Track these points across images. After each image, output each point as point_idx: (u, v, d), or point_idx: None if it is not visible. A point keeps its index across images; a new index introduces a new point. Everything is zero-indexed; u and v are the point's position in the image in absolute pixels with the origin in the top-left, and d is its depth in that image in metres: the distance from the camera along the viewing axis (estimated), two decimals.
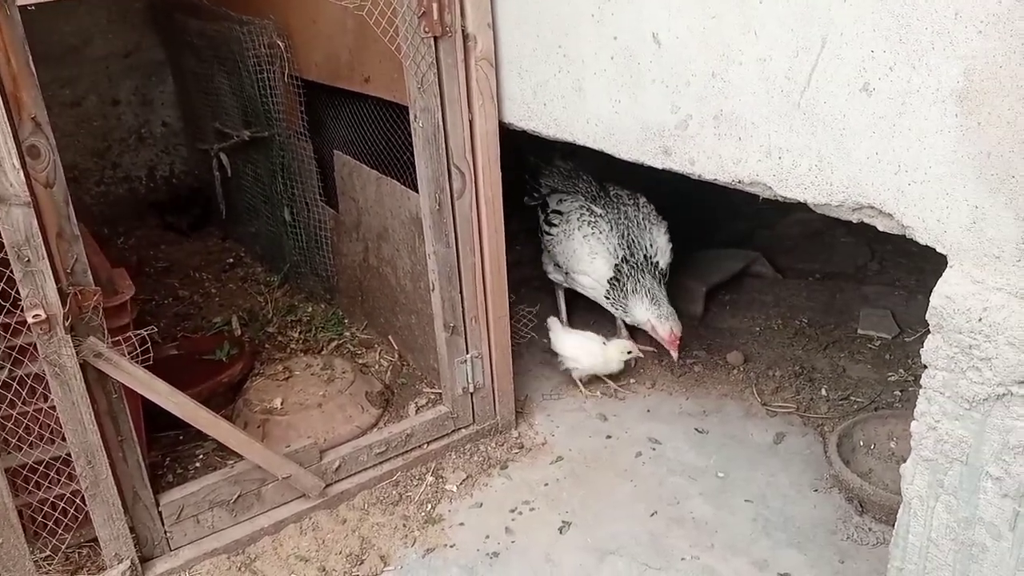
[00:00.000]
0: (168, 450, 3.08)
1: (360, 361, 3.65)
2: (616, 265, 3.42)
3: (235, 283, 4.51)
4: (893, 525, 2.52)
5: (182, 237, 5.12)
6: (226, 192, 4.86)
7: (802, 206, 2.04)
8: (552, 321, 3.59)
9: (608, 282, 3.44)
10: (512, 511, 2.78)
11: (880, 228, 1.89)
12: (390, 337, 3.73)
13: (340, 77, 3.46)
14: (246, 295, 4.35)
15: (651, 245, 3.49)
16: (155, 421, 2.84)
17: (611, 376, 3.45)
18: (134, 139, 5.45)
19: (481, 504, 2.82)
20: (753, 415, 3.18)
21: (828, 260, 4.28)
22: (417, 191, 3.08)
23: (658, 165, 2.32)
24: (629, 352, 3.40)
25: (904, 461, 2.77)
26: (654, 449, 3.03)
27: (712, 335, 3.76)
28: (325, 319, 4.01)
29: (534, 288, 4.01)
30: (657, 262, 3.46)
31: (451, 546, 2.65)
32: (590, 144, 2.53)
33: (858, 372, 3.39)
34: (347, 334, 3.89)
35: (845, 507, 2.68)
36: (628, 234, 3.49)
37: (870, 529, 2.58)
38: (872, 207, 1.87)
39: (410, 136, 3.14)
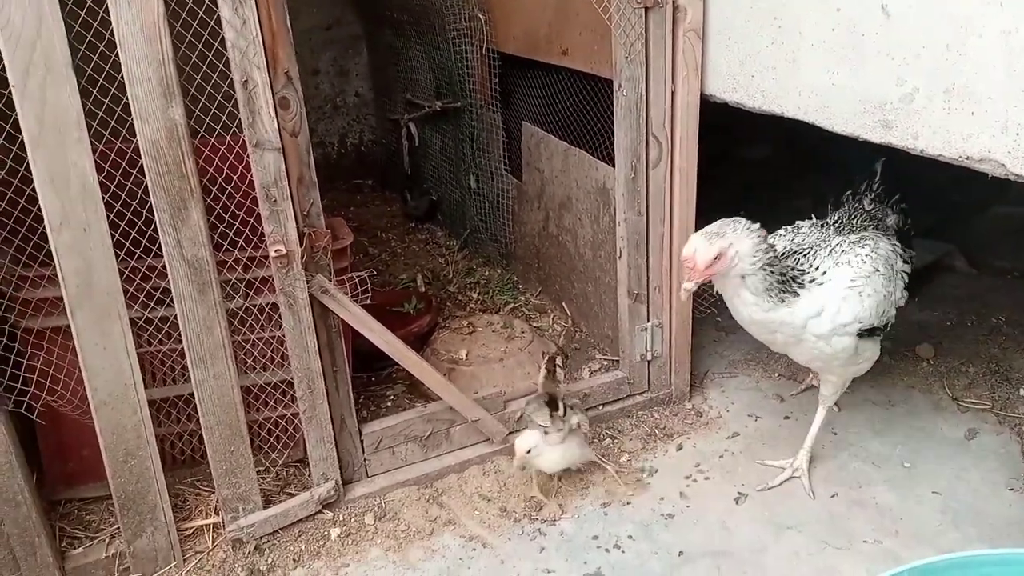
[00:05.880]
0: (362, 389, 3.33)
1: (535, 324, 3.79)
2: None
3: (418, 244, 4.81)
4: None
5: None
6: (412, 160, 5.15)
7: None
8: None
9: None
10: (687, 478, 2.83)
11: None
12: (564, 304, 3.85)
13: (537, 50, 3.59)
14: (428, 256, 4.62)
15: None
16: (350, 363, 3.08)
17: None
18: (329, 107, 5.86)
19: (655, 468, 2.89)
20: (943, 409, 3.07)
21: None
22: (605, 162, 3.17)
23: (876, 139, 2.28)
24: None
25: None
26: (835, 433, 2.98)
27: (899, 325, 3.60)
28: (501, 283, 4.20)
29: None
30: None
31: (626, 503, 2.73)
32: (799, 116, 2.51)
33: None
34: (522, 298, 4.05)
35: None
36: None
37: None
38: None
39: (600, 108, 3.24)
